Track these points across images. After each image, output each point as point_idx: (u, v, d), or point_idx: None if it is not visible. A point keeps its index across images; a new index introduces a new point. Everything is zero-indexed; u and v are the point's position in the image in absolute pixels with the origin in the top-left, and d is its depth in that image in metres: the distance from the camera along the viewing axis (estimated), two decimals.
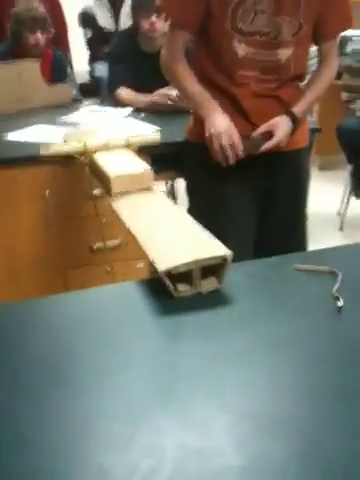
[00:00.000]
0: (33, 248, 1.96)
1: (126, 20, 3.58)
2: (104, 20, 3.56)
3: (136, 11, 2.79)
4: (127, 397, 0.71)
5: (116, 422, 0.67)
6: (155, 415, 0.68)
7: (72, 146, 1.42)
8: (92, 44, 3.62)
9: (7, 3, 2.91)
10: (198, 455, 0.61)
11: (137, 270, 2.01)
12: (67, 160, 1.67)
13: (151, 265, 1.00)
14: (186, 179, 1.90)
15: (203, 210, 1.57)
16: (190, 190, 1.83)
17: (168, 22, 2.83)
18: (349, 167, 3.20)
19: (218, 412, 0.68)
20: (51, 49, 2.87)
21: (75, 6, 3.72)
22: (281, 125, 1.56)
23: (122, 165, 1.34)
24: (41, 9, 2.75)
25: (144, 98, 2.59)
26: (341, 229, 3.24)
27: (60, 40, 3.17)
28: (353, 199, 3.22)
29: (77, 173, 1.91)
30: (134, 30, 2.87)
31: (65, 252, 2.00)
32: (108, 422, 0.67)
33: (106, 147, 1.45)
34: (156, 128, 2.22)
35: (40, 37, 2.72)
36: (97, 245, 2.00)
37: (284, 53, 1.54)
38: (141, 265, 2.05)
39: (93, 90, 3.37)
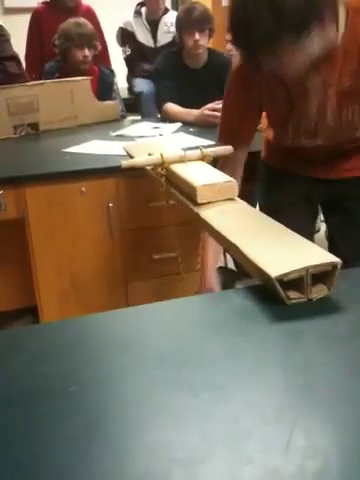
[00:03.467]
0: (95, 259, 1.97)
1: (163, 38, 3.64)
2: (142, 36, 3.61)
3: (180, 28, 2.83)
4: (272, 401, 0.71)
5: (269, 425, 0.67)
6: (307, 419, 0.68)
7: (151, 158, 1.43)
8: (130, 61, 3.66)
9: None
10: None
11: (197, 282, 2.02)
12: (131, 172, 1.69)
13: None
14: None
15: None
16: None
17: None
18: None
19: None
20: (98, 66, 2.91)
21: (112, 24, 3.77)
22: None
23: (204, 175, 1.34)
24: (89, 25, 2.80)
25: (193, 113, 2.62)
26: None
27: (101, 57, 3.21)
28: None
29: (138, 185, 1.94)
30: (179, 46, 2.92)
31: (125, 264, 2.02)
32: (261, 424, 0.67)
33: (182, 159, 1.46)
34: (209, 142, 2.24)
35: (88, 53, 2.76)
36: (156, 257, 2.01)
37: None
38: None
39: (132, 105, 3.41)
